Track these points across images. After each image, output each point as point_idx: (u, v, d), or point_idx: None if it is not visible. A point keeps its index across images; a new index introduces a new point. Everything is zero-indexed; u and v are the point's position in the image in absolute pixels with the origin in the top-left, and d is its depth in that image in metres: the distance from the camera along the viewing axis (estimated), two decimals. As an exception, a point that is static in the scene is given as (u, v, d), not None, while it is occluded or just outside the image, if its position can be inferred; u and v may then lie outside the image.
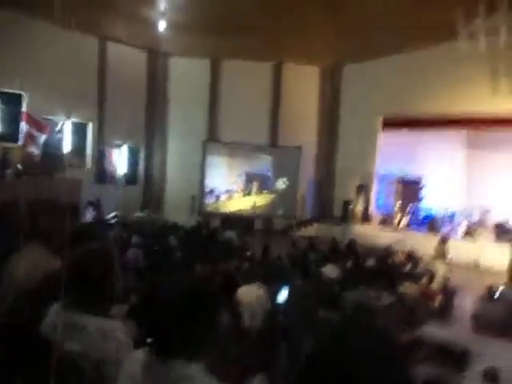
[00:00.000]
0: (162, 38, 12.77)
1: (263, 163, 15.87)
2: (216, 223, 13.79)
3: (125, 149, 14.82)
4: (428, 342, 4.73)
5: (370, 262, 8.04)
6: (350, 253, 8.77)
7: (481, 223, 13.73)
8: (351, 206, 14.08)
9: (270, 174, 15.82)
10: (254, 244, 10.05)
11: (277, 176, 15.74)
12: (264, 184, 15.86)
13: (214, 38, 13.06)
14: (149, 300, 1.32)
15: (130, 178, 15.03)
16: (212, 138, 15.65)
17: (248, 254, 8.23)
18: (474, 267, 9.23)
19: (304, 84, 15.89)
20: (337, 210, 15.04)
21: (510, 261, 9.09)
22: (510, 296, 6.60)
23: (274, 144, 15.51)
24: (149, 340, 1.26)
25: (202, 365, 1.24)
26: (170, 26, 11.59)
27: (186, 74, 15.20)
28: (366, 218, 14.04)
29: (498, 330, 5.71)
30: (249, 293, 5.27)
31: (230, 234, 10.53)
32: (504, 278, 8.30)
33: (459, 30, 10.26)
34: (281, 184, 15.74)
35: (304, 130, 15.62)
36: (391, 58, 13.79)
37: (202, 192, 15.56)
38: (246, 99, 14.81)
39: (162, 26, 11.45)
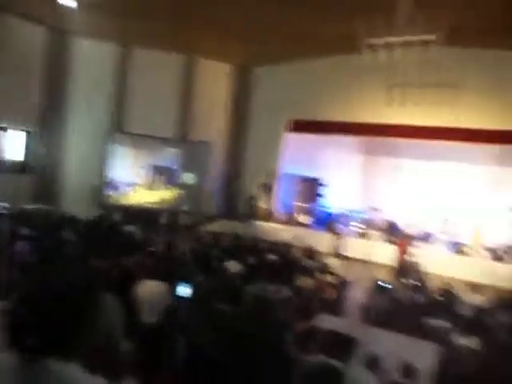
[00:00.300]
0: (66, 15, 11.84)
1: (170, 157, 15.33)
2: (119, 217, 13.17)
3: (15, 133, 13.46)
4: (320, 331, 5.01)
5: (272, 258, 8.30)
6: (253, 248, 8.96)
7: (373, 222, 14.96)
8: (255, 203, 14.41)
9: (176, 167, 15.30)
10: (158, 239, 9.81)
11: (184, 170, 15.29)
12: (170, 178, 15.25)
13: (123, 21, 12.43)
14: (24, 295, 1.20)
15: (23, 166, 13.70)
16: (116, 128, 14.89)
17: (151, 249, 7.99)
18: (366, 263, 10.01)
19: (216, 80, 15.88)
20: (243, 207, 15.30)
21: (397, 257, 10.01)
22: (395, 289, 7.27)
23: (182, 138, 15.25)
24: (24, 338, 1.14)
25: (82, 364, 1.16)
26: (76, 3, 10.80)
27: (92, 58, 14.26)
28: (269, 215, 14.47)
29: (384, 320, 6.25)
30: (149, 288, 5.13)
31: (132, 228, 10.14)
32: (392, 273, 9.10)
33: (359, 43, 11.06)
34: (188, 179, 15.33)
35: (214, 125, 15.62)
36: (301, 63, 14.41)
37: (103, 183, 14.59)
38: (156, 90, 14.37)
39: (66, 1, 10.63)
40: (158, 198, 15.06)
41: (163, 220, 14.63)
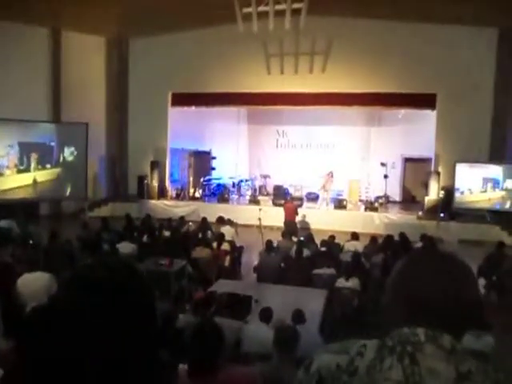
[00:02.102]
0: None
1: (44, 132, 13.32)
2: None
3: None
4: (219, 296, 5.19)
5: (165, 234, 8.25)
6: (146, 227, 8.79)
7: (262, 189, 15.60)
8: (146, 182, 14.01)
9: (53, 144, 13.29)
10: (39, 231, 9.07)
11: (62, 146, 13.39)
12: (46, 156, 13.16)
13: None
14: None
15: None
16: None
17: (30, 242, 7.37)
18: (258, 227, 10.44)
19: (90, 55, 14.72)
20: (132, 188, 14.76)
21: (284, 219, 10.62)
22: (283, 246, 7.75)
23: (56, 120, 13.96)
24: None
25: None
26: None
27: None
28: (161, 192, 14.21)
29: (275, 276, 6.67)
30: (32, 281, 4.78)
31: (8, 224, 9.18)
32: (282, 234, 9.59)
33: (237, 12, 11.15)
34: (68, 155, 13.50)
35: (91, 104, 14.58)
36: (178, 34, 14.02)
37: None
38: (23, 67, 12.87)
39: None
40: (34, 182, 13.04)
41: (44, 211, 13.50)
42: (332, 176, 13.61)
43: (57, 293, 0.87)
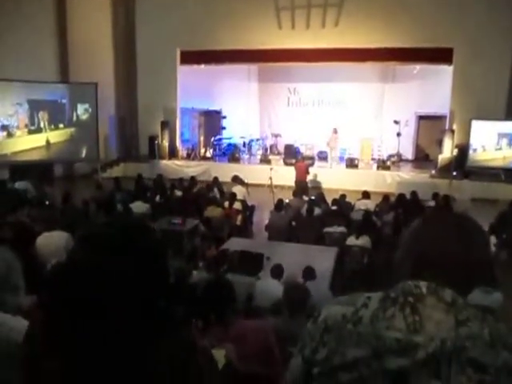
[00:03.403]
0: None
1: (55, 89, 12.72)
2: (5, 174, 11.86)
3: None
4: (231, 253, 5.31)
5: (177, 194, 8.33)
6: (158, 187, 8.89)
7: (273, 148, 15.51)
8: (157, 142, 14.01)
9: (65, 101, 12.69)
10: (54, 192, 9.24)
11: (75, 103, 12.83)
12: (58, 115, 12.56)
13: None
14: None
15: None
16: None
17: (47, 203, 7.53)
18: (269, 186, 10.48)
19: (95, 15, 14.34)
20: (143, 148, 14.79)
21: (295, 178, 10.61)
22: (294, 205, 7.80)
23: (65, 80, 13.83)
24: None
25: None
26: None
27: None
28: (172, 152, 14.22)
29: (286, 234, 6.76)
30: (51, 240, 4.92)
31: (24, 185, 9.36)
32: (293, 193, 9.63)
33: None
34: (82, 113, 12.93)
35: (99, 64, 14.36)
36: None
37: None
38: (27, 29, 12.62)
39: None
40: (46, 144, 12.60)
41: (58, 172, 13.65)
42: (336, 133, 13.46)
43: (72, 251, 0.90)
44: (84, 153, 13.39)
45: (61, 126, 12.91)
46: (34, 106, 12.40)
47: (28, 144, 12.50)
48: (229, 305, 2.29)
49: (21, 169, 11.22)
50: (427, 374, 0.83)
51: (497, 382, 0.82)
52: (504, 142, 12.05)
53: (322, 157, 14.13)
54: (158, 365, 0.86)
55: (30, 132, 12.53)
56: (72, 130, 13.06)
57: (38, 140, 12.63)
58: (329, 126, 14.14)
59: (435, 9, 12.00)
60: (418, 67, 13.39)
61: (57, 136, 12.85)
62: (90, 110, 13.15)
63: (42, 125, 12.59)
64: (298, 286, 3.37)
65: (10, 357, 1.39)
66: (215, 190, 8.85)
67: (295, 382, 1.02)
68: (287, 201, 7.87)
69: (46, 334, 0.90)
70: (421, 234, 0.99)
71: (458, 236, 0.95)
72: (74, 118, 13.10)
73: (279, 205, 7.32)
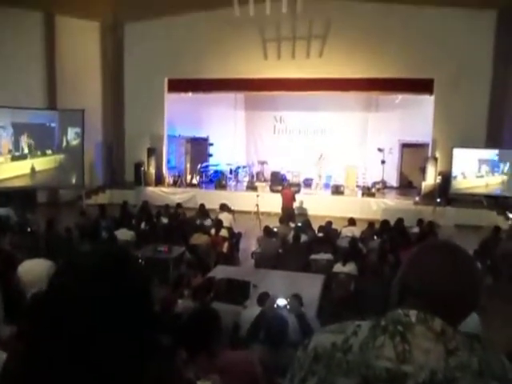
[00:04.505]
0: None
1: (43, 113, 12.09)
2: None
3: None
4: (218, 281, 5.23)
5: (163, 221, 8.27)
6: (143, 214, 8.81)
7: (259, 175, 15.60)
8: (143, 169, 13.98)
9: (54, 125, 11.85)
10: (37, 219, 9.08)
11: (66, 127, 12.13)
12: (46, 140, 11.71)
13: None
14: None
15: None
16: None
17: (29, 229, 7.39)
18: (256, 213, 10.47)
19: (84, 40, 14.51)
20: (129, 175, 14.73)
21: (282, 205, 10.64)
22: (280, 233, 7.79)
23: (52, 107, 13.80)
24: None
25: None
26: None
27: None
28: (158, 179, 14.19)
29: (273, 261, 6.72)
30: (33, 268, 4.80)
31: (6, 211, 9.19)
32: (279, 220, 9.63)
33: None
34: (72, 138, 12.35)
35: (87, 91, 14.44)
36: (173, 19, 13.83)
37: None
38: (15, 54, 12.70)
39: None
40: (30, 171, 11.88)
41: (42, 198, 13.45)
42: (322, 158, 13.75)
43: (54, 279, 0.88)
44: (69, 179, 13.08)
45: (49, 152, 12.24)
46: (19, 130, 11.68)
47: (11, 172, 11.88)
48: (215, 335, 2.25)
49: (3, 194, 11.03)
50: None
51: None
52: (484, 168, 12.34)
53: (308, 184, 14.26)
54: None
55: (14, 159, 11.87)
56: (61, 156, 12.40)
57: (22, 168, 11.97)
58: (314, 154, 14.34)
59: (416, 40, 12.50)
60: (399, 97, 13.77)
61: (43, 163, 12.18)
62: (76, 142, 12.63)
63: (26, 151, 11.96)
64: (276, 316, 3.31)
65: None
66: (201, 217, 8.80)
67: None
68: (275, 229, 7.86)
69: (24, 366, 0.87)
70: (414, 263, 0.99)
71: (451, 265, 0.95)
72: (64, 144, 12.45)
73: (267, 232, 7.30)
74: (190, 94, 14.36)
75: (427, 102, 12.79)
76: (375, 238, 7.40)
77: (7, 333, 2.44)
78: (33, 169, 12.22)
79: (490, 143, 12.34)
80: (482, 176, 12.37)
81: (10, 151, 11.88)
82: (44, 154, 12.24)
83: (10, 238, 5.93)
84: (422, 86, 12.54)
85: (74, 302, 0.83)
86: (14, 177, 11.96)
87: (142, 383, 0.84)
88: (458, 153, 12.31)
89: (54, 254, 5.09)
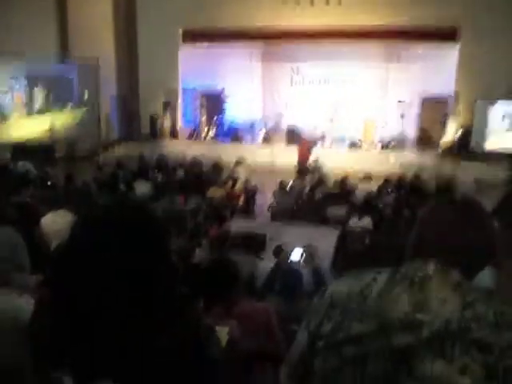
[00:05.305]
0: None
1: (59, 66, 11.24)
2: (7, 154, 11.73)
3: None
4: (234, 233, 5.33)
5: (179, 174, 8.33)
6: (160, 167, 8.88)
7: (275, 129, 15.40)
8: (159, 122, 13.92)
9: (74, 77, 10.92)
10: (56, 173, 9.22)
11: (86, 81, 11.42)
12: (63, 93, 10.77)
13: None
14: None
15: None
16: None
17: (49, 183, 7.53)
18: (271, 168, 10.45)
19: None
20: (144, 127, 14.70)
21: (298, 159, 10.58)
22: (296, 187, 7.79)
23: (64, 56, 13.57)
24: None
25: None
26: None
27: None
28: (174, 133, 14.15)
29: (288, 215, 6.78)
30: (55, 220, 4.94)
31: (26, 166, 9.32)
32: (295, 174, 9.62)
33: None
34: (84, 94, 11.92)
35: (100, 42, 14.16)
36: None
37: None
38: (27, 11, 12.38)
39: None
40: (50, 128, 11.47)
41: (60, 153, 13.58)
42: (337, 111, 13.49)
43: (73, 233, 0.90)
44: (88, 133, 13.00)
45: (68, 106, 11.45)
46: (33, 82, 10.73)
47: (27, 129, 11.28)
48: (233, 284, 2.29)
49: (22, 149, 11.15)
50: (431, 352, 0.84)
51: (501, 362, 0.82)
52: (507, 122, 11.91)
53: (324, 137, 14.04)
54: (166, 342, 0.87)
55: (30, 114, 11.23)
56: (82, 110, 11.75)
57: (41, 124, 11.40)
58: (332, 106, 14.02)
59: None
60: (423, 47, 13.17)
61: (63, 119, 11.51)
62: (89, 97, 12.21)
63: (41, 105, 11.23)
64: (291, 268, 3.37)
65: (17, 334, 1.41)
66: (217, 171, 8.82)
67: (300, 356, 1.03)
68: (290, 182, 7.86)
69: (51, 311, 0.91)
70: (430, 218, 1.01)
71: (466, 220, 0.97)
72: (85, 97, 11.67)
73: (282, 186, 7.31)
74: (205, 44, 13.97)
75: (451, 54, 12.21)
76: (391, 192, 7.34)
77: (34, 281, 2.55)
78: (52, 126, 11.78)
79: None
80: (505, 131, 11.97)
81: (26, 105, 11.26)
82: (63, 109, 11.60)
83: (31, 191, 6.06)
84: (447, 35, 11.97)
85: (94, 254, 0.85)
86: (33, 135, 11.40)
87: (165, 329, 0.87)
88: (481, 106, 11.87)
89: (74, 207, 5.22)
